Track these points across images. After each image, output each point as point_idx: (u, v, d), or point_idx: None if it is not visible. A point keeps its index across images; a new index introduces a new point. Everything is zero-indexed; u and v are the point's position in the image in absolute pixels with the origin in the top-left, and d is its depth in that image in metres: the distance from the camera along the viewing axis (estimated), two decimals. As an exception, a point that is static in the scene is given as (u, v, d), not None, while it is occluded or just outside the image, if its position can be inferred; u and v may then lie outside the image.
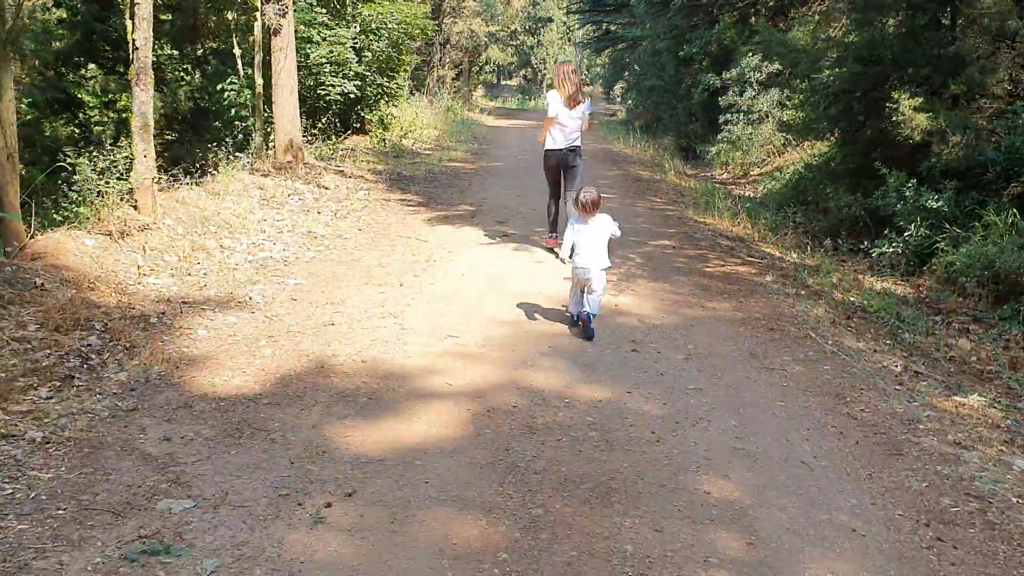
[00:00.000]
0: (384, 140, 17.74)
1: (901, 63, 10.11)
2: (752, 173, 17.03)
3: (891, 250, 9.23)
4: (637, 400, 4.91)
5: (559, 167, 8.75)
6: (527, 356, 5.54)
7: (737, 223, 11.14)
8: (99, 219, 7.10)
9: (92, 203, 7.21)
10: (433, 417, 4.52)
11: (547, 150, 8.68)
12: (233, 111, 12.66)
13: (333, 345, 5.54)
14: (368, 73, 17.36)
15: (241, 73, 12.49)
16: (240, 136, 12.83)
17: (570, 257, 6.20)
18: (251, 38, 11.88)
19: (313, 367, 5.14)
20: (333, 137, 16.74)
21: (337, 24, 17.47)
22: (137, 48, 7.34)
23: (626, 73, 35.55)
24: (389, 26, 17.75)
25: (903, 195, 9.36)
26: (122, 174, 7.44)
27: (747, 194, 15.38)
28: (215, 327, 5.79)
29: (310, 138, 15.51)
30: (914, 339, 6.70)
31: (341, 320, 6.07)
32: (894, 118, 9.35)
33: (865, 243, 10.75)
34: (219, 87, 12.48)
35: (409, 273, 7.57)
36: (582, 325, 6.08)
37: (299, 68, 16.29)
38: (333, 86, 16.26)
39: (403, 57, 18.55)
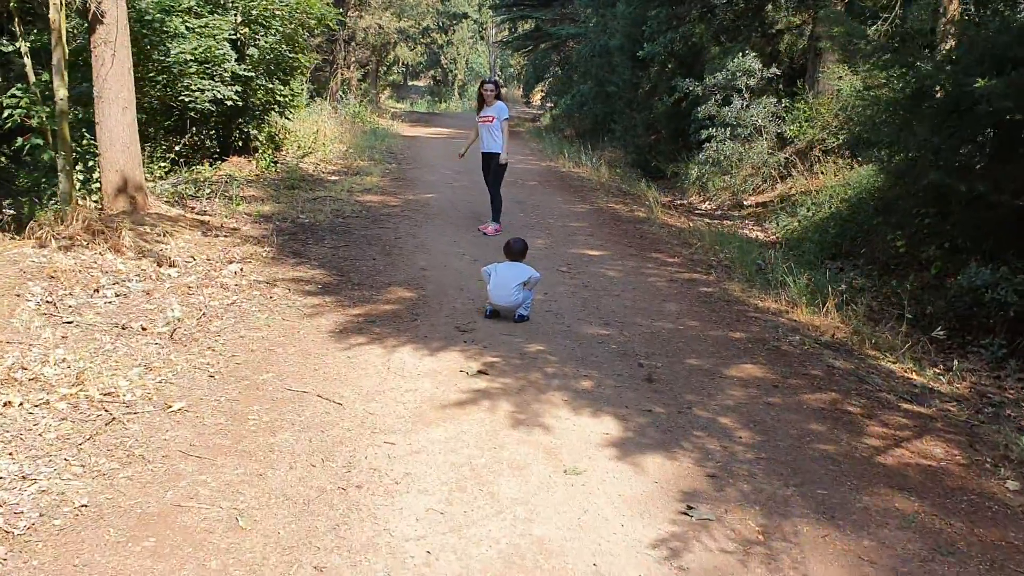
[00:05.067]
0: (275, 163, 13.06)
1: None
2: (748, 204, 13.02)
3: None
4: None
5: (485, 166, 9.85)
6: None
7: (817, 310, 7.02)
8: None
9: None
10: None
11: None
12: (20, 140, 7.81)
13: None
14: (253, 75, 12.69)
15: (32, 79, 7.66)
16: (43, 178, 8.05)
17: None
18: (52, 25, 7.09)
19: None
20: (205, 164, 12.05)
21: (210, 11, 12.75)
22: None
23: (548, 75, 31.45)
24: (280, 16, 13.08)
25: None
26: None
27: (755, 235, 11.38)
28: None
29: (164, 170, 10.78)
30: None
31: None
32: None
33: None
34: (-8, 102, 7.59)
35: (307, 560, 3.11)
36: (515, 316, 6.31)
37: (159, 69, 11.50)
38: (201, 91, 11.58)
39: (299, 56, 13.86)
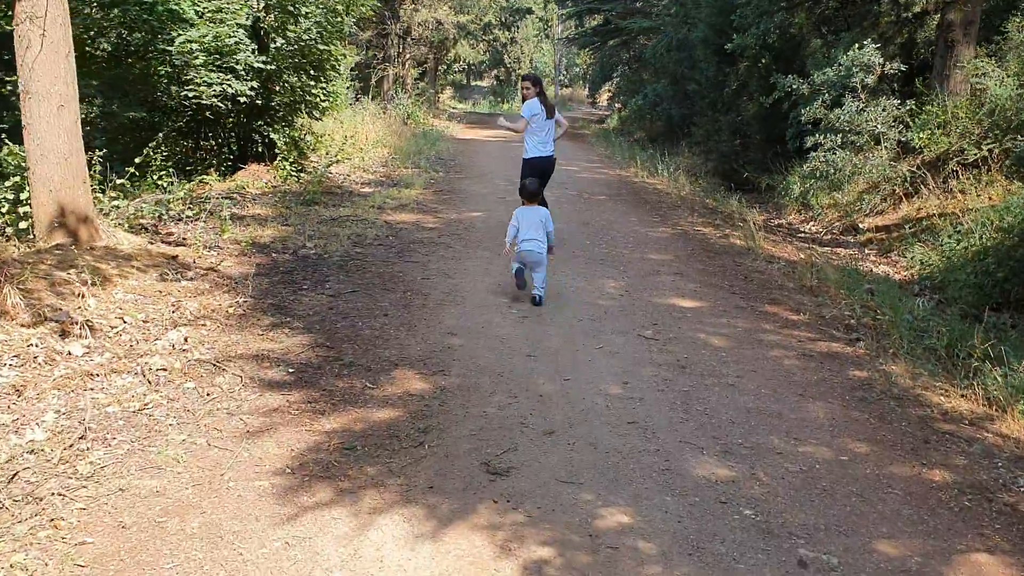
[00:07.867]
0: (300, 172, 10.89)
1: None
2: (865, 227, 10.38)
3: None
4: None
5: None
6: None
7: (1018, 408, 4.48)
8: None
9: None
10: None
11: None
12: None
13: None
14: (274, 67, 10.55)
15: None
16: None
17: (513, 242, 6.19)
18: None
19: None
20: (212, 172, 9.95)
21: (225, -7, 10.63)
22: None
23: (616, 74, 28.93)
24: (308, 2, 10.89)
25: None
26: None
27: (881, 269, 8.81)
28: None
29: (167, 180, 8.68)
30: None
31: None
32: None
33: None
34: None
35: None
36: (532, 298, 6.02)
37: (161, 59, 9.48)
38: (208, 84, 9.50)
39: (332, 49, 11.64)
